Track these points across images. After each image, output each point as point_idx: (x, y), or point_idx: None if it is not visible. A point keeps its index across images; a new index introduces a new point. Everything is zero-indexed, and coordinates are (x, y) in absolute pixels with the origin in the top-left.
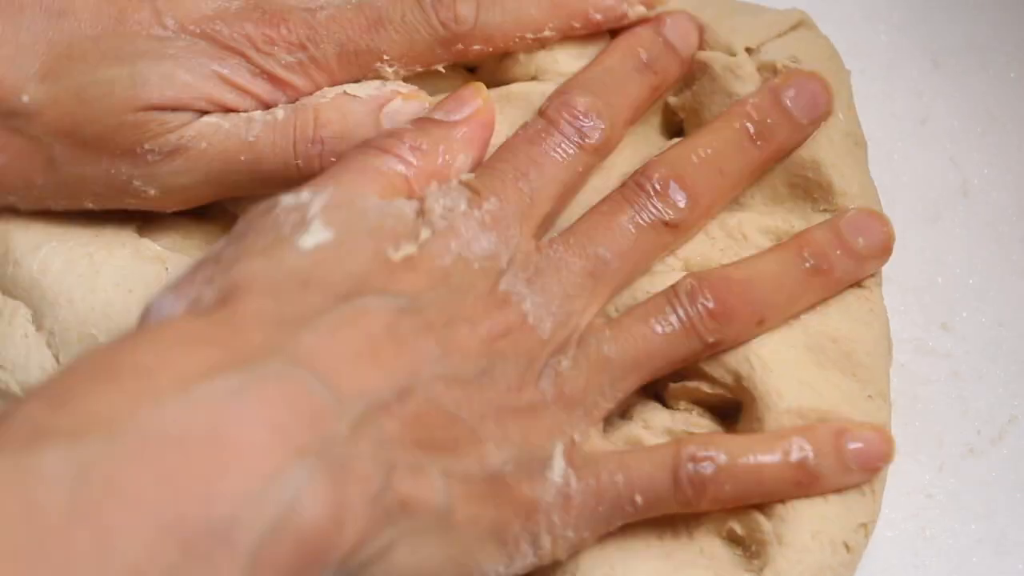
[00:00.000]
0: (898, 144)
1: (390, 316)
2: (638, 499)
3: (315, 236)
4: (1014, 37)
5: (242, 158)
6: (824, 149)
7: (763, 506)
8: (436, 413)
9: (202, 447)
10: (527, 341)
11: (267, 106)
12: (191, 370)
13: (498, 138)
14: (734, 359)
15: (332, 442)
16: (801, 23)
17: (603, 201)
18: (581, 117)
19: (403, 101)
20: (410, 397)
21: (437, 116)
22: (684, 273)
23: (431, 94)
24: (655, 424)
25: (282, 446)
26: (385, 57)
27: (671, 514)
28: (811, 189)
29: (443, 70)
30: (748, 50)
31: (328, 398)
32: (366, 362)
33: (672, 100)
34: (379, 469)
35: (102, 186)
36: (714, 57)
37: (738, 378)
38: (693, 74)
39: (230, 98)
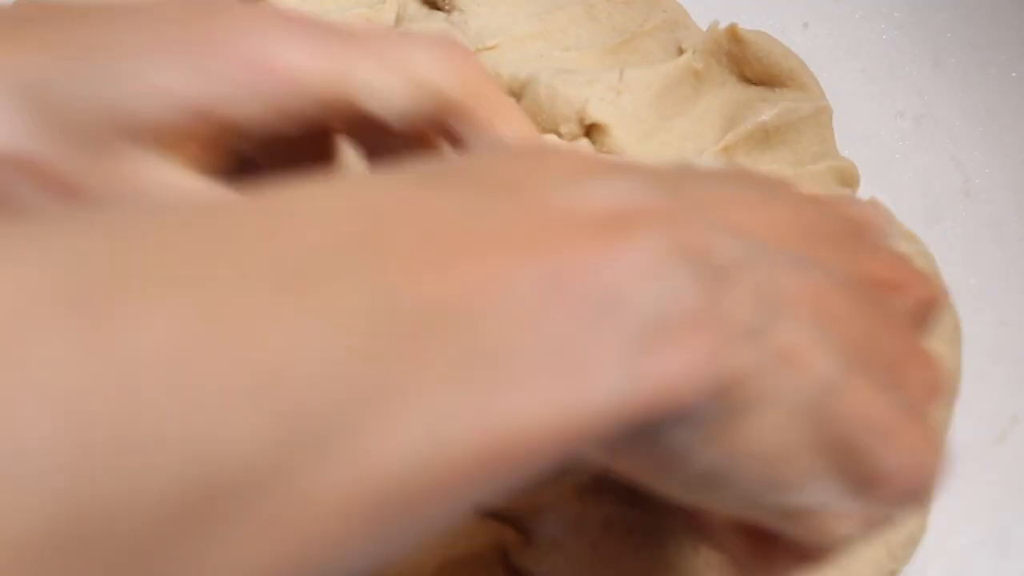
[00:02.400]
0: (899, 144)
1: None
2: None
3: None
4: (1014, 37)
5: None
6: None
7: None
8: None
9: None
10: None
11: None
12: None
13: None
14: None
15: (710, 257)
16: None
17: None
18: None
19: None
20: (810, 273)
21: None
22: None
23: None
24: None
25: (666, 242)
26: None
27: (675, 525)
28: None
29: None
30: None
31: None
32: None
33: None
34: (759, 307)
35: None
36: None
37: None
38: None
39: None
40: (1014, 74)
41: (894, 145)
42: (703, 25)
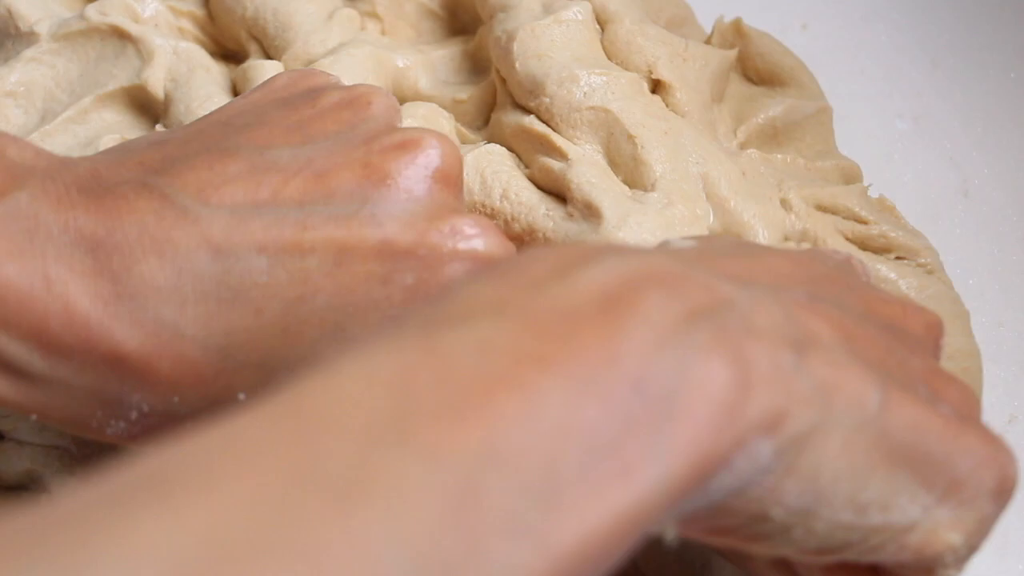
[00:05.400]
0: (898, 144)
1: None
2: None
3: None
4: (1014, 37)
5: None
6: None
7: None
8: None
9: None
10: None
11: None
12: None
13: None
14: None
15: (721, 307)
16: None
17: None
18: None
19: None
20: (824, 306)
21: None
22: None
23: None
24: None
25: (672, 304)
26: None
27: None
28: None
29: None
30: None
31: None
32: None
33: None
34: (783, 345)
35: None
36: None
37: None
38: None
39: None
40: (1012, 75)
41: (893, 145)
42: (704, 23)
